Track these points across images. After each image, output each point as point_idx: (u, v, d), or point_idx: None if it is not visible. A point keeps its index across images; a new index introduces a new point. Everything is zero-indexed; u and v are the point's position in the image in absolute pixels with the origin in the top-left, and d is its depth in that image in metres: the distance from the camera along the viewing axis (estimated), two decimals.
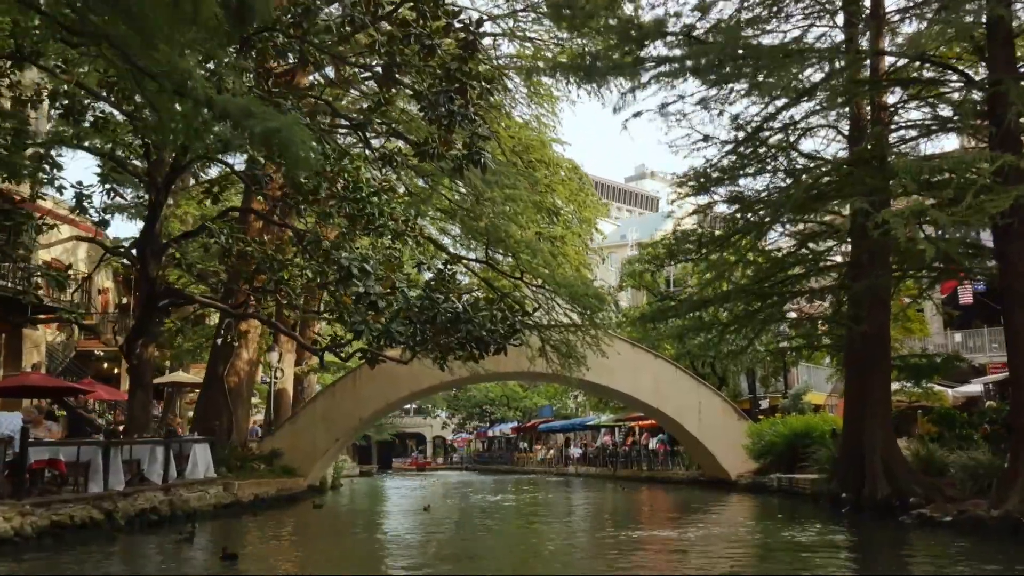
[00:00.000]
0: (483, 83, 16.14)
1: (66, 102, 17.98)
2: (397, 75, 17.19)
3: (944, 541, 14.09)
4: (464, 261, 27.20)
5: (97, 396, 30.93)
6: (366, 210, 17.77)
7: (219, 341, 28.67)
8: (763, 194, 18.90)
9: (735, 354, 32.67)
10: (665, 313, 23.84)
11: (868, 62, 18.04)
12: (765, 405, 37.15)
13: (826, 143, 19.61)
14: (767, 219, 18.23)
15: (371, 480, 56.89)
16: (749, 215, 18.59)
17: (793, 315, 23.08)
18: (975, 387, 29.91)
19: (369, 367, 27.86)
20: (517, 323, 18.25)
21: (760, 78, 15.69)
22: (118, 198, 24.35)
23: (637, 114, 20.99)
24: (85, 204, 17.58)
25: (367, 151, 19.45)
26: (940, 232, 14.56)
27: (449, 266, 20.33)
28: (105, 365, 36.90)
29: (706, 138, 19.61)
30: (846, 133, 20.03)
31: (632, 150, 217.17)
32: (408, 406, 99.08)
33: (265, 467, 28.39)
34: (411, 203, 23.60)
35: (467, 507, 28.21)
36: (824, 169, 17.86)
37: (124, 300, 41.04)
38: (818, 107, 17.45)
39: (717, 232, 19.54)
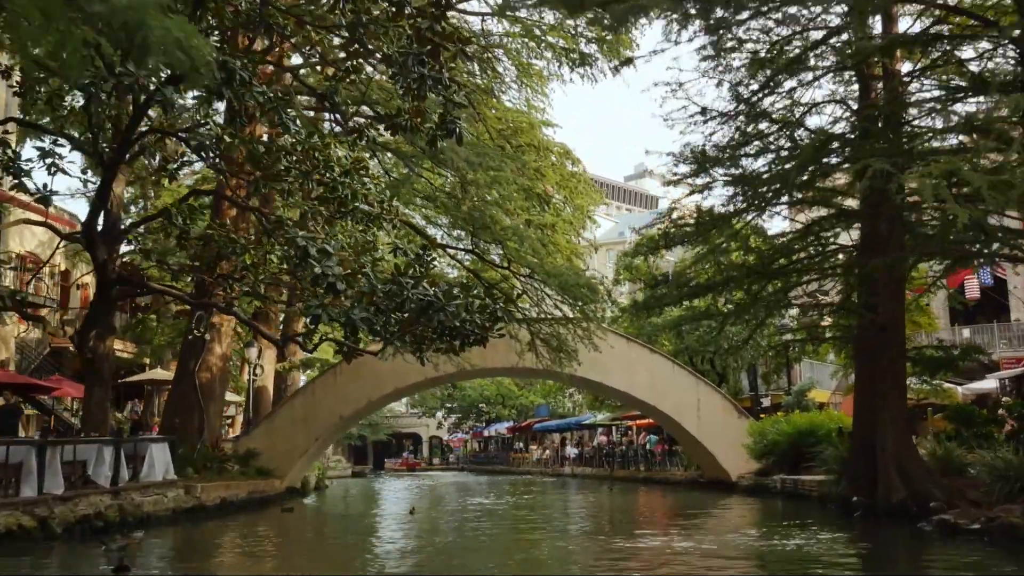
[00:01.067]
0: (458, 44, 14.57)
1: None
2: (363, 35, 15.62)
3: (973, 552, 12.48)
4: (448, 249, 25.67)
5: (63, 393, 29.49)
6: (338, 191, 16.37)
7: (190, 335, 27.20)
8: (766, 174, 17.31)
9: (735, 349, 31.15)
10: (659, 300, 22.18)
11: (880, 25, 16.50)
12: (767, 403, 35.62)
13: (833, 120, 17.92)
14: (770, 194, 16.66)
15: (363, 481, 55.41)
16: (750, 192, 17.00)
17: (798, 303, 21.39)
18: (987, 383, 28.45)
19: (345, 362, 26.47)
20: (499, 311, 16.65)
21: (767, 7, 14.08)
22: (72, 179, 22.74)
23: (628, 61, 19.23)
24: (23, 180, 15.99)
25: (335, 125, 17.91)
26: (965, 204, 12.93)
27: (428, 251, 18.77)
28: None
29: (704, 111, 18.07)
30: (855, 107, 18.46)
31: (631, 150, 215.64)
32: (404, 407, 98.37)
33: (239, 468, 26.92)
34: (389, 185, 22.03)
35: (453, 510, 26.67)
36: (835, 133, 16.29)
37: None
38: (825, 70, 15.91)
39: (719, 209, 17.90)
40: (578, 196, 27.27)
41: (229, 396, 36.20)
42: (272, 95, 14.13)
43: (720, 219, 17.46)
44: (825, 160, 15.66)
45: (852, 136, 15.83)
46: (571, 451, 54.01)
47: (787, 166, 16.06)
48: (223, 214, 23.49)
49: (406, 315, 15.49)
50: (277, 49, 20.44)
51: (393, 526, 21.43)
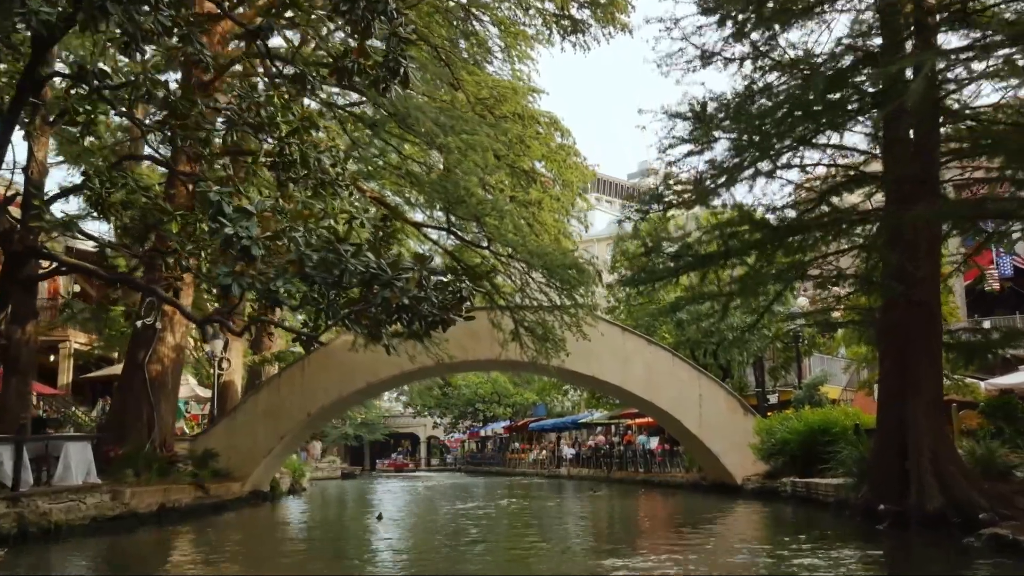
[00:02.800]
0: None
1: None
2: None
3: None
4: (421, 228, 23.17)
5: None
6: (286, 153, 13.96)
7: (139, 323, 24.72)
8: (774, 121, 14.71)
9: (739, 339, 28.68)
10: (654, 275, 19.33)
11: None
12: (774, 400, 33.05)
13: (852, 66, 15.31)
14: (780, 146, 14.11)
15: (351, 483, 52.79)
16: (756, 146, 14.43)
17: (814, 276, 18.68)
18: (1013, 377, 25.92)
19: (304, 350, 23.96)
20: (463, 289, 14.09)
21: None
22: None
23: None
24: None
25: (273, 67, 15.43)
26: None
27: (388, 222, 16.22)
28: (51, 358, 32.83)
29: (704, 55, 15.53)
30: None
31: (634, 148, 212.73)
32: (400, 407, 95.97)
33: (192, 470, 24.46)
34: (348, 149, 19.50)
35: (428, 517, 24.17)
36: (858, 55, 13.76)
37: (78, 288, 37.19)
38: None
39: (725, 163, 15.29)
40: (567, 171, 24.70)
41: (201, 392, 33.85)
42: (177, 16, 11.69)
43: (725, 173, 14.86)
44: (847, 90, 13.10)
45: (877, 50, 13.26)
46: (568, 452, 51.49)
47: (799, 112, 13.49)
48: (177, 184, 21.02)
49: (349, 291, 13.02)
50: None
51: (350, 535, 18.95)
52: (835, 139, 16.11)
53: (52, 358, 32.85)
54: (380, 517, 21.97)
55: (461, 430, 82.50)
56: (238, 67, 21.46)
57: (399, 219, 21.88)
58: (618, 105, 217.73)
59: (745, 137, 14.51)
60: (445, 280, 13.69)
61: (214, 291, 22.76)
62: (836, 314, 20.29)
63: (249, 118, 14.00)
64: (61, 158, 27.33)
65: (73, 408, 30.18)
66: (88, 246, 24.31)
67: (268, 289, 11.46)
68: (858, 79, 14.63)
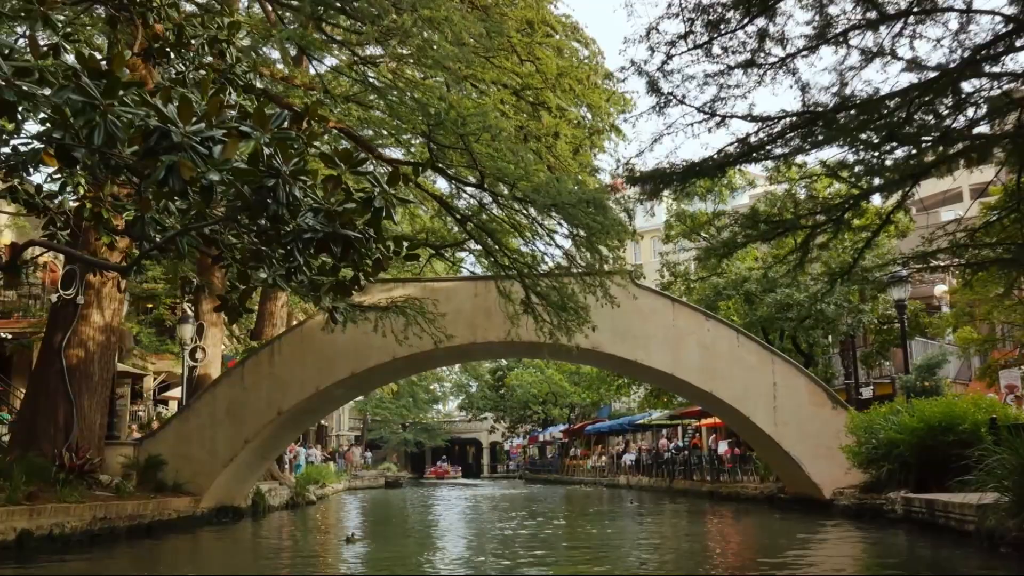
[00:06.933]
0: None
1: None
2: None
3: None
4: (390, 163, 17.61)
5: None
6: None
7: (54, 297, 19.87)
8: None
9: (824, 319, 22.53)
10: (728, 245, 13.71)
11: None
12: (868, 394, 26.71)
13: None
14: None
15: (389, 493, 47.63)
16: None
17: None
18: None
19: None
20: (376, 198, 8.29)
21: None
22: None
23: None
24: None
25: None
26: None
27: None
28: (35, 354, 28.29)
29: None
30: None
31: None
32: (460, 410, 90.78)
33: (134, 484, 19.54)
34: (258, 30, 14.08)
35: (422, 540, 18.67)
36: None
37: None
38: None
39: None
40: (592, 93, 18.95)
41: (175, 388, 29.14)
42: None
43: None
44: None
45: None
46: (628, 458, 45.55)
47: None
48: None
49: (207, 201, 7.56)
50: None
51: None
52: None
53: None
54: (350, 539, 16.83)
55: (520, 434, 77.22)
56: None
57: (361, 147, 16.46)
58: None
59: None
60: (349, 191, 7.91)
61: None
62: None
63: None
64: None
65: None
66: None
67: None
68: None
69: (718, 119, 9.24)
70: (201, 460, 20.92)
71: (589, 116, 20.16)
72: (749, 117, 9.34)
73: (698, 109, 9.27)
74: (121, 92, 6.42)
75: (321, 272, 8.34)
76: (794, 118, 9.16)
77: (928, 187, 22.54)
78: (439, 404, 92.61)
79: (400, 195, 10.36)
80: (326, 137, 15.16)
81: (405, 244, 8.49)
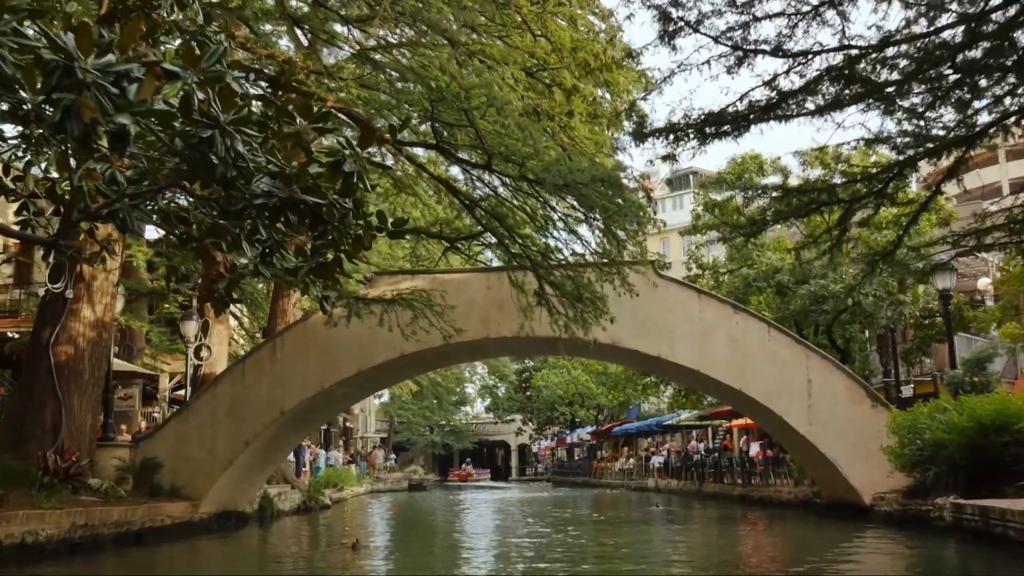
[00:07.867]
0: None
1: None
2: None
3: None
4: (394, 144, 16.40)
5: None
6: None
7: (44, 291, 18.88)
8: None
9: (863, 311, 20.98)
10: (758, 224, 12.46)
11: None
12: (908, 393, 25.09)
13: None
14: None
15: (416, 496, 46.49)
16: None
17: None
18: None
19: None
20: (346, 162, 7.00)
21: None
22: None
23: None
24: None
25: None
26: None
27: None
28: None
29: None
30: None
31: None
32: (488, 412, 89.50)
33: (127, 488, 18.48)
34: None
35: (428, 549, 17.45)
36: None
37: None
38: None
39: None
40: (609, 69, 17.64)
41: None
42: None
43: None
44: None
45: None
46: (656, 460, 44.06)
47: None
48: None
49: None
50: None
51: None
52: None
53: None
54: (355, 547, 15.70)
55: (548, 436, 75.85)
56: None
57: (361, 128, 15.29)
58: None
59: None
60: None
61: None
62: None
63: None
64: None
65: None
66: None
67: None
68: None
69: (740, 54, 7.88)
70: (200, 462, 19.85)
71: (608, 96, 18.83)
72: (780, 52, 7.95)
73: (715, 39, 7.88)
74: (7, 16, 5.18)
75: (300, 254, 7.15)
76: (831, 55, 7.79)
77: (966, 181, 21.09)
78: (466, 406, 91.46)
79: (375, 160, 9.14)
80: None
81: (390, 220, 7.24)
